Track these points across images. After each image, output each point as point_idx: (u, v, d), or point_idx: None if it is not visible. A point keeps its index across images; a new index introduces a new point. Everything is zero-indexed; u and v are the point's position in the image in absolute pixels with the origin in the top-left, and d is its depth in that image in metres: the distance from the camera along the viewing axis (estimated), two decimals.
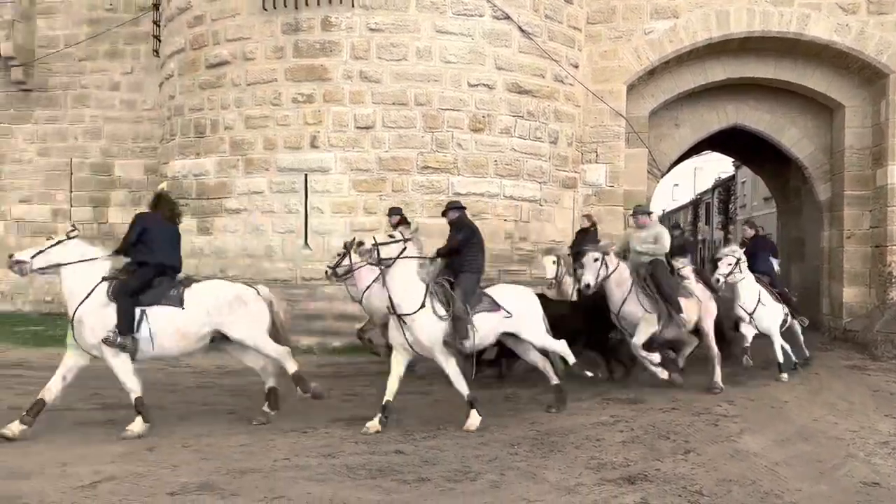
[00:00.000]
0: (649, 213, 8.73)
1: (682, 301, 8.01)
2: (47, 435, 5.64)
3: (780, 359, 8.97)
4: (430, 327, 6.29)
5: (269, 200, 11.54)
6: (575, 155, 12.57)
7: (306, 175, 11.21)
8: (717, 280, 8.55)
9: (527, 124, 11.66)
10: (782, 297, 9.44)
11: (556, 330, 7.09)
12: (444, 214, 7.32)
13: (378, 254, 6.22)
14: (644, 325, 7.76)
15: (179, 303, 6.12)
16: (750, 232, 10.29)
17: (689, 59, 13.32)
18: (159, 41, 13.57)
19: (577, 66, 12.50)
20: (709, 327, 8.48)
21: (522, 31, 11.45)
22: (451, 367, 6.41)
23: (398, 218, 10.53)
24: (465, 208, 7.33)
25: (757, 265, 9.26)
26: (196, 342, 6.29)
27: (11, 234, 15.15)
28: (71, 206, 15.04)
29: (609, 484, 4.90)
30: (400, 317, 6.29)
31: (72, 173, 15.02)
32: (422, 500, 4.60)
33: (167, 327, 6.08)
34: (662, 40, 12.86)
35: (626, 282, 7.85)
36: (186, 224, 12.09)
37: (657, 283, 7.89)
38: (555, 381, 7.02)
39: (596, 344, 8.60)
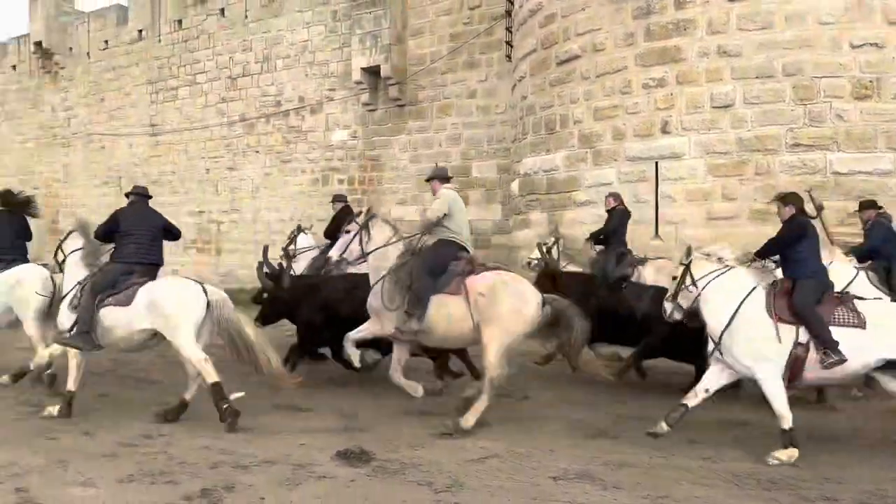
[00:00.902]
0: (448, 178, 6.50)
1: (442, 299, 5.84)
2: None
3: (784, 423, 5.12)
4: (61, 319, 6.24)
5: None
6: None
7: (657, 163, 10.81)
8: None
9: None
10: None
11: None
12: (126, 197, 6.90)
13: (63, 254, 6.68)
14: (369, 322, 6.13)
15: None
16: (867, 213, 7.02)
17: None
18: (511, 46, 14.32)
19: None
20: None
21: None
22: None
23: (342, 205, 10.69)
24: (150, 197, 6.85)
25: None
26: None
27: None
28: None
29: None
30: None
31: None
32: None
33: None
34: None
35: (385, 265, 6.09)
36: (537, 218, 12.78)
37: (411, 270, 5.91)
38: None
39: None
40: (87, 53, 24.23)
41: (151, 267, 6.36)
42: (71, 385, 6.17)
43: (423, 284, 5.89)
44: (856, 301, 5.27)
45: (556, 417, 6.24)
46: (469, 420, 5.61)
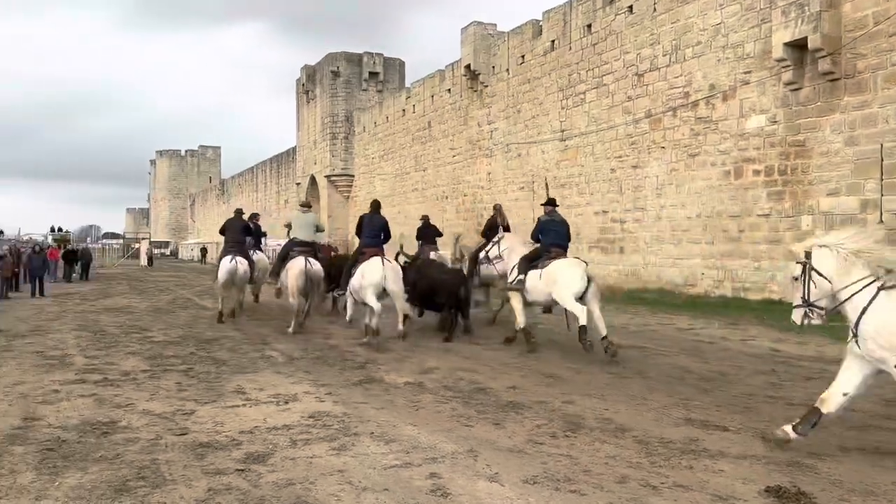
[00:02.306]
0: (301, 205, 13.50)
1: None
2: None
3: None
4: None
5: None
6: None
7: None
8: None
9: None
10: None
11: None
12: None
13: None
14: None
15: None
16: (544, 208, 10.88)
17: None
18: None
19: None
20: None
21: None
22: None
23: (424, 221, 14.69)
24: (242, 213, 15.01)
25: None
26: None
27: (819, 228, 14.98)
28: (881, 195, 13.82)
29: None
30: None
31: (882, 160, 13.78)
32: None
33: None
34: None
35: None
36: None
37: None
38: None
39: None
40: (507, 70, 26.45)
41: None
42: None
43: (275, 265, 12.67)
44: None
45: None
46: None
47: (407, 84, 39.26)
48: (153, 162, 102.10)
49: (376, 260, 10.17)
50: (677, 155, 18.69)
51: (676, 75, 18.68)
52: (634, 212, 20.21)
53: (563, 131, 23.31)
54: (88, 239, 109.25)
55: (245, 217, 14.89)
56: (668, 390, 7.12)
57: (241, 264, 12.96)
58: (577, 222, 22.55)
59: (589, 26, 22.03)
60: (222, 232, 13.71)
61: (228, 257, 12.98)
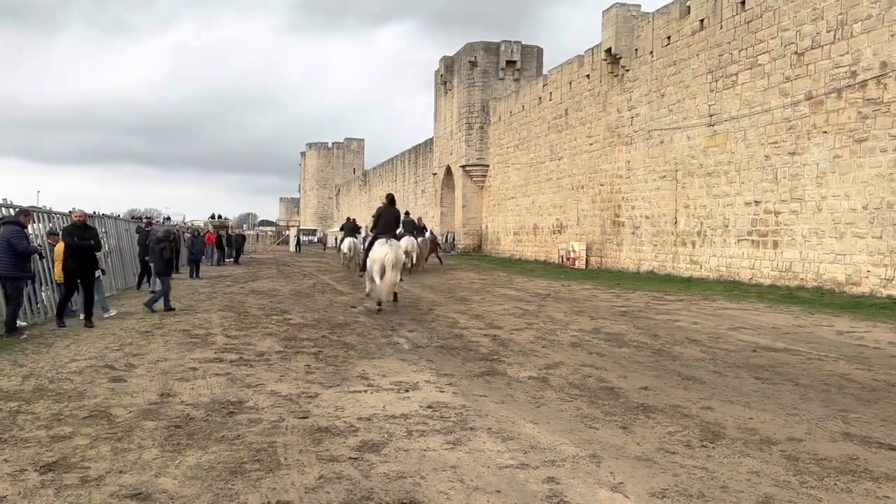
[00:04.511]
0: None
1: None
2: None
3: None
4: None
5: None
6: None
7: None
8: None
9: None
10: None
11: None
12: None
13: None
14: None
15: None
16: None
17: None
18: None
19: None
20: None
21: None
22: None
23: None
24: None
25: None
26: None
27: None
28: None
29: None
30: None
31: None
32: None
33: None
34: None
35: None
36: None
37: None
38: None
39: None
40: (651, 52, 25.21)
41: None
42: None
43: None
44: None
45: None
46: None
47: (544, 72, 38.57)
48: (303, 154, 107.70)
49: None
50: (842, 140, 16.95)
51: (842, 53, 16.91)
52: (791, 202, 18.58)
53: (711, 115, 21.88)
54: (245, 226, 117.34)
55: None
56: (823, 400, 6.36)
57: (354, 242, 26.18)
58: (725, 213, 21.11)
59: (742, 3, 20.46)
60: (342, 229, 23.72)
61: (347, 240, 26.94)
